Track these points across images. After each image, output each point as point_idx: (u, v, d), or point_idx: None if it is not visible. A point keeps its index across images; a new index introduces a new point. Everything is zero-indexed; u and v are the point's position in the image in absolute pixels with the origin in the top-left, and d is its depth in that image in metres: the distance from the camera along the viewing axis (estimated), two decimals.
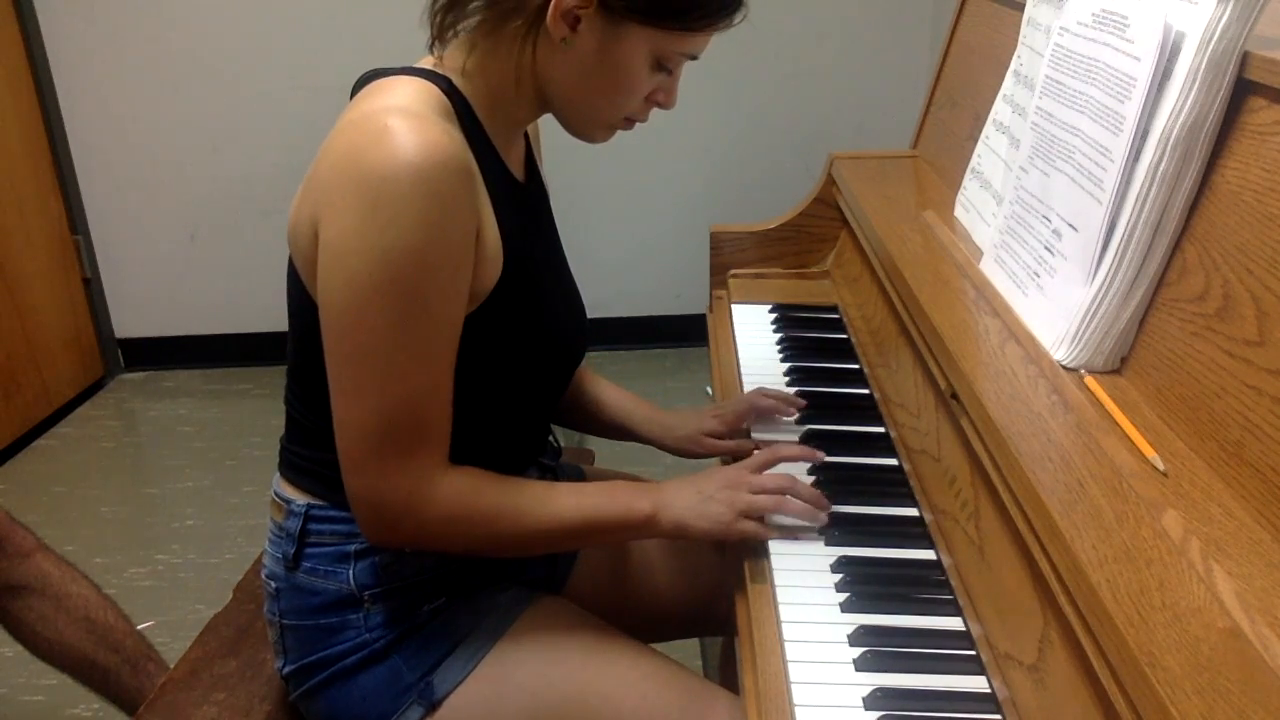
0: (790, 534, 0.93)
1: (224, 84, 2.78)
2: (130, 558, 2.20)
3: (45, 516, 2.32)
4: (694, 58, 0.91)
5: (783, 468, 1.00)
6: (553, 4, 0.84)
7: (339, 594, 0.95)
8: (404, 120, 0.80)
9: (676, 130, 2.69)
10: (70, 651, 1.41)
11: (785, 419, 1.15)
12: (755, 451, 1.03)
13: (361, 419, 0.84)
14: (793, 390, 1.22)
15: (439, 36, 0.90)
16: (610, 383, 1.21)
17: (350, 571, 0.95)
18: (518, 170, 0.99)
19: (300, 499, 0.97)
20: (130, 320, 3.04)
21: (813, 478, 1.04)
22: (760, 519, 0.93)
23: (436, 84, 0.88)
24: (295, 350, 0.94)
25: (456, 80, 0.90)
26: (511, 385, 0.97)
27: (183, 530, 2.30)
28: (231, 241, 2.93)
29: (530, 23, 0.86)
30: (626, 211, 2.96)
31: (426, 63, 0.92)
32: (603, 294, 3.01)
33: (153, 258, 2.96)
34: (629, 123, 0.95)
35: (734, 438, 1.14)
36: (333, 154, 0.83)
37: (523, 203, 0.98)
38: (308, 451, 0.96)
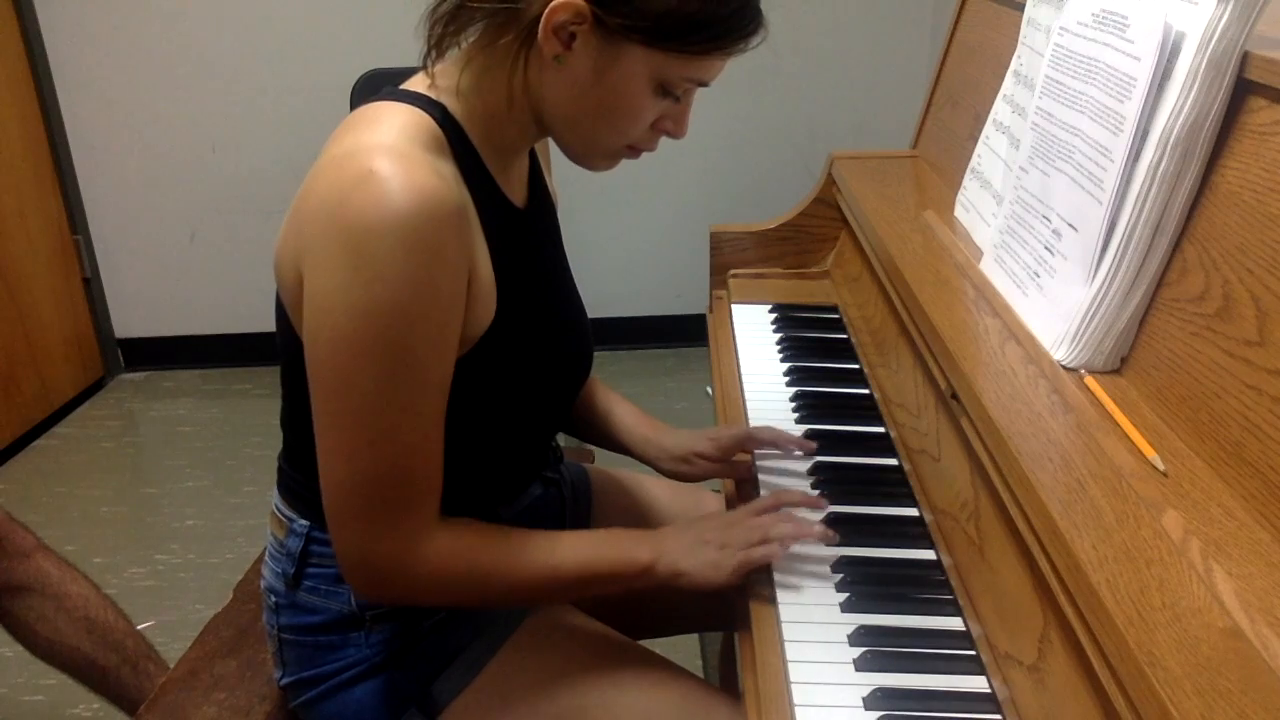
0: (778, 553, 0.88)
1: (224, 84, 2.78)
2: (130, 558, 2.20)
3: (45, 516, 2.32)
4: (704, 84, 0.85)
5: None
6: (544, 18, 0.78)
7: (340, 613, 0.94)
8: (390, 162, 0.75)
9: None
10: (70, 651, 1.41)
11: (792, 451, 1.08)
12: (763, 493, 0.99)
13: (348, 478, 0.80)
14: (792, 390, 1.22)
15: (436, 48, 0.85)
16: (622, 398, 1.17)
17: (351, 592, 0.93)
18: (518, 194, 0.94)
19: (301, 520, 0.95)
20: (130, 320, 3.04)
21: (813, 477, 1.04)
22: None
23: (429, 111, 0.83)
24: (285, 380, 0.91)
25: (451, 104, 0.85)
26: (510, 415, 0.94)
27: (183, 530, 2.30)
28: (231, 241, 2.93)
29: (523, 38, 0.81)
30: (627, 211, 2.97)
31: (419, 84, 0.87)
32: (603, 294, 3.01)
33: (153, 258, 2.96)
34: (634, 151, 0.89)
35: (726, 462, 1.08)
36: (316, 194, 0.78)
37: (521, 230, 0.93)
38: (304, 477, 0.93)
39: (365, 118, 0.82)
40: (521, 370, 0.91)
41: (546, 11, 0.78)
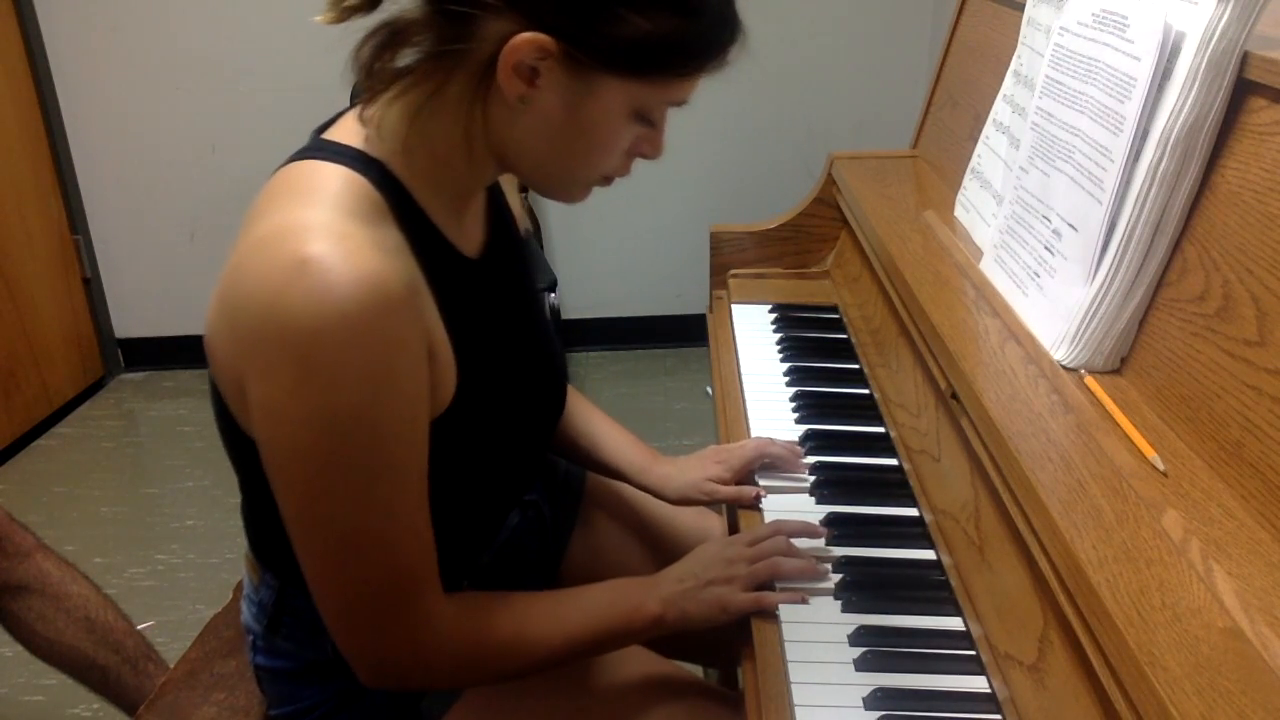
0: (795, 598, 0.86)
1: (224, 84, 2.78)
2: (130, 558, 2.20)
3: (45, 516, 2.32)
4: (682, 104, 0.78)
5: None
6: (502, 57, 0.70)
7: (319, 659, 0.90)
8: (327, 246, 0.66)
9: (676, 130, 2.69)
10: (70, 651, 1.41)
11: (795, 470, 1.06)
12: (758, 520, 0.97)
13: (342, 591, 0.75)
14: (792, 390, 1.22)
15: (369, 94, 0.76)
16: (607, 419, 1.12)
17: (331, 642, 0.83)
18: (473, 240, 0.86)
19: (270, 573, 0.90)
20: (130, 320, 3.04)
21: (814, 477, 1.04)
22: (765, 587, 0.87)
23: (366, 173, 0.73)
24: (229, 450, 0.83)
25: (393, 162, 0.75)
26: (483, 469, 0.88)
27: (183, 530, 2.30)
28: (231, 241, 2.90)
29: (477, 80, 0.73)
30: (626, 211, 2.96)
31: (353, 134, 0.77)
32: (603, 294, 3.01)
33: (153, 258, 2.96)
34: (607, 180, 0.82)
35: (738, 483, 1.04)
36: (245, 285, 0.68)
37: (477, 284, 0.85)
38: (266, 534, 0.87)
39: (291, 184, 0.73)
40: (491, 427, 0.86)
41: (505, 51, 0.70)
